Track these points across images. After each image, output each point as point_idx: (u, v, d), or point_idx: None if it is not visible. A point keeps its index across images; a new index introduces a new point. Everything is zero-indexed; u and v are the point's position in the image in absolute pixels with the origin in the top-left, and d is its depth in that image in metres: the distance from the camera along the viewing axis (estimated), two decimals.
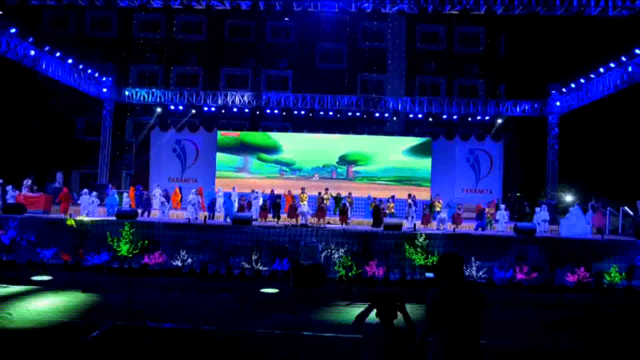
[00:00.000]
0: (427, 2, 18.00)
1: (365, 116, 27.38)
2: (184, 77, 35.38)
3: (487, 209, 20.67)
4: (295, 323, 10.05)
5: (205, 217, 18.64)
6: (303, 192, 21.19)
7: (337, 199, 20.96)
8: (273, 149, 26.06)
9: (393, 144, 26.28)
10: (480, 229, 20.05)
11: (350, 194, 22.25)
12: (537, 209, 21.40)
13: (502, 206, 20.85)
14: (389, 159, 26.13)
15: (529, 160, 29.65)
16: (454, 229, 19.38)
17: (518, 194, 27.40)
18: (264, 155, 26.07)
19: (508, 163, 27.56)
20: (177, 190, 23.95)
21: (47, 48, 20.68)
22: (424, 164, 25.74)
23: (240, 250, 16.05)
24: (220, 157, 26.20)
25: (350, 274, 15.45)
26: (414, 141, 26.45)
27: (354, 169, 26.48)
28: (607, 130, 35.72)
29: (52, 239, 16.23)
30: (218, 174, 25.86)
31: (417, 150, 26.08)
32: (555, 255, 15.90)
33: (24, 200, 19.23)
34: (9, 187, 19.73)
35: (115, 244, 15.92)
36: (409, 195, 21.80)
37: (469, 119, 27.10)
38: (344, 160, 26.65)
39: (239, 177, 25.28)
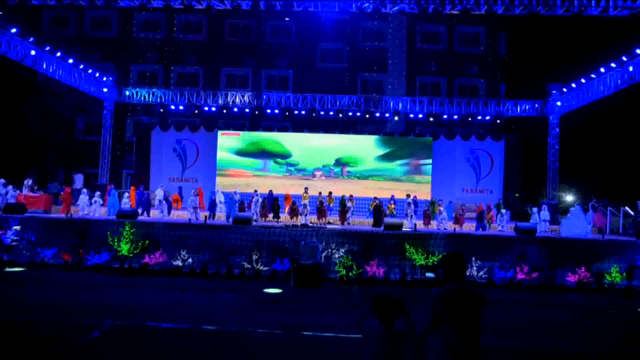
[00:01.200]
0: (428, 2, 17.98)
1: (367, 116, 27.39)
2: (184, 77, 35.40)
3: (486, 212, 20.64)
4: (295, 323, 10.04)
5: (205, 217, 18.64)
6: (306, 192, 21.21)
7: (343, 202, 20.96)
8: (285, 155, 27.51)
9: (373, 148, 27.35)
10: (480, 229, 20.05)
11: (352, 195, 22.29)
12: (535, 209, 21.40)
13: (503, 211, 20.82)
14: (372, 160, 27.20)
15: (529, 160, 29.63)
16: (455, 229, 19.36)
17: (517, 194, 27.37)
18: (279, 160, 27.47)
19: (509, 163, 27.52)
20: (177, 195, 24.02)
21: (47, 48, 20.68)
22: (393, 166, 27.07)
23: (240, 250, 16.04)
24: (244, 160, 27.41)
25: (350, 274, 15.45)
26: (392, 147, 27.44)
27: (347, 169, 27.32)
28: (607, 130, 35.76)
29: (53, 238, 16.24)
30: (244, 173, 27.16)
31: (390, 155, 27.19)
32: (555, 255, 15.88)
33: (25, 200, 19.23)
34: (9, 187, 19.71)
35: (116, 243, 15.91)
36: (408, 195, 21.80)
37: (470, 118, 27.08)
38: (339, 162, 27.36)
39: (263, 174, 27.16)
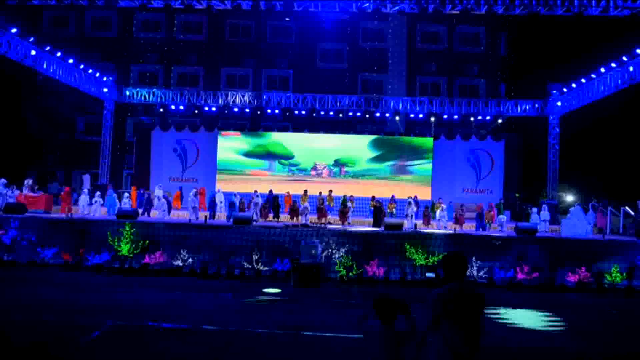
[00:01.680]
0: (428, 2, 17.98)
1: (367, 116, 27.43)
2: (185, 77, 35.42)
3: (486, 212, 20.64)
4: (295, 323, 10.04)
5: (206, 217, 18.64)
6: (305, 194, 21.23)
7: (344, 202, 20.97)
8: (289, 156, 28.04)
9: (368, 150, 27.78)
10: (481, 229, 20.05)
11: (352, 195, 22.32)
12: (535, 209, 21.39)
13: (503, 217, 20.83)
14: (366, 161, 27.67)
15: (529, 160, 29.63)
16: (455, 229, 19.35)
17: (517, 194, 27.38)
18: (283, 161, 27.99)
19: (509, 163, 27.53)
20: (178, 193, 24.13)
21: (47, 48, 20.67)
22: (383, 166, 27.59)
23: (240, 250, 16.03)
24: (251, 161, 27.90)
25: (350, 273, 15.45)
26: (383, 149, 27.84)
27: (345, 169, 27.68)
28: (608, 130, 35.74)
29: (53, 238, 16.23)
30: (263, 173, 27.72)
31: (381, 157, 27.68)
32: (556, 255, 15.88)
33: (25, 200, 19.23)
34: (10, 187, 19.71)
35: (116, 243, 15.90)
36: (410, 197, 21.84)
37: (471, 118, 27.07)
38: (337, 163, 27.70)
39: (271, 174, 27.81)
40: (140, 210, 19.70)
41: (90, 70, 24.27)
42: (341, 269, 15.51)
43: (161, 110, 28.47)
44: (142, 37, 35.43)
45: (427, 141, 27.66)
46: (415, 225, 19.07)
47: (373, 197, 22.52)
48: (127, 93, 27.70)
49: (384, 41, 35.04)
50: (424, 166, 27.27)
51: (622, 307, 13.28)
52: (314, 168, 27.47)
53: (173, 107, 27.64)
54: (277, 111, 27.43)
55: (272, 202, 21.47)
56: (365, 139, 28.07)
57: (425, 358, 4.10)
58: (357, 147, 27.82)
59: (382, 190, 25.01)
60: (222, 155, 27.73)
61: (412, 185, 26.30)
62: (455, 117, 26.82)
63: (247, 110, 27.52)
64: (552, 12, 17.82)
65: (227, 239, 16.20)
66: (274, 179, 26.95)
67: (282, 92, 30.92)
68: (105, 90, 26.16)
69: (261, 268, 15.74)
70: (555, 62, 37.36)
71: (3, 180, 19.50)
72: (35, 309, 10.29)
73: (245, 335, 9.18)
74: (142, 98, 27.68)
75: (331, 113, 27.05)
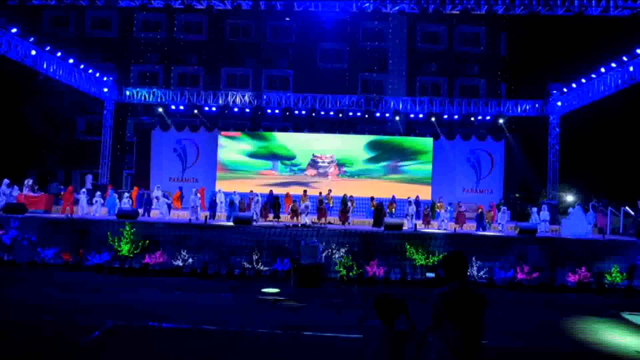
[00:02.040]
0: (428, 2, 17.98)
1: (367, 116, 27.43)
2: (185, 77, 35.42)
3: (486, 212, 20.65)
4: (295, 323, 10.04)
5: (206, 217, 18.63)
6: (305, 195, 21.24)
7: (344, 201, 20.97)
8: (291, 157, 28.21)
9: (365, 151, 27.96)
10: (481, 229, 20.05)
11: (352, 196, 22.33)
12: (535, 209, 21.41)
13: (503, 208, 20.85)
14: (362, 161, 27.83)
15: (530, 160, 29.61)
16: (455, 229, 19.36)
17: (517, 194, 27.38)
18: (286, 161, 28.15)
19: (509, 163, 27.53)
20: (178, 193, 24.15)
21: (47, 48, 20.65)
22: (377, 167, 27.70)
23: (240, 250, 16.04)
24: (256, 161, 28.06)
25: (350, 273, 15.46)
26: (379, 150, 27.95)
27: (344, 169, 27.81)
28: (608, 130, 35.74)
29: (53, 238, 16.23)
30: (273, 174, 27.96)
31: (377, 157, 27.81)
32: (556, 255, 15.88)
33: (25, 200, 19.23)
34: (14, 187, 19.72)
35: (116, 243, 15.91)
36: (409, 197, 21.84)
37: (471, 118, 27.05)
38: (337, 163, 27.82)
39: (277, 173, 28.11)
40: (140, 211, 19.71)
41: (90, 70, 24.25)
42: (341, 269, 15.52)
43: (161, 110, 28.44)
44: (142, 37, 35.43)
45: (426, 141, 27.65)
46: (416, 225, 19.07)
47: (372, 198, 22.53)
48: (127, 93, 27.68)
49: (384, 41, 35.04)
50: (418, 166, 27.28)
51: (622, 307, 13.27)
52: (314, 163, 27.36)
53: (173, 107, 27.61)
54: (277, 111, 27.40)
55: (272, 202, 21.47)
56: (363, 140, 28.07)
57: (426, 358, 4.09)
58: (355, 147, 27.89)
59: (381, 189, 25.06)
60: (229, 156, 27.78)
61: (411, 185, 26.29)
62: (456, 117, 26.80)
63: (247, 110, 27.50)
64: (552, 12, 17.82)
65: (227, 239, 16.20)
66: (280, 179, 27.16)
67: (282, 92, 30.92)
68: (105, 90, 26.15)
69: (261, 268, 15.74)
70: (555, 62, 37.36)
71: (6, 181, 19.51)
72: (35, 309, 10.29)
73: (245, 335, 9.19)
74: (142, 98, 27.65)
75: (331, 113, 27.02)
